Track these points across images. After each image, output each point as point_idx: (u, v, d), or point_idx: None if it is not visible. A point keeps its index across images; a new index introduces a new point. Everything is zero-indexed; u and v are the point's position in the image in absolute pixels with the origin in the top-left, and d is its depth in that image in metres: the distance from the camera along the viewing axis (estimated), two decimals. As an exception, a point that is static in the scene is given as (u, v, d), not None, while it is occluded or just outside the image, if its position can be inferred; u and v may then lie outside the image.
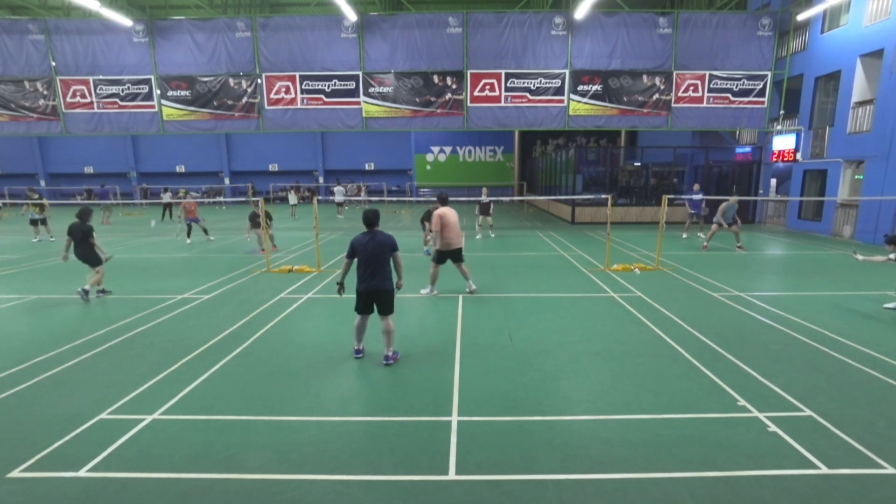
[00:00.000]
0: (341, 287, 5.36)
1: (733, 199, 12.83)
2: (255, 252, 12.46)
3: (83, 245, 8.00)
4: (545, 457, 3.54)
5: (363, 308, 5.23)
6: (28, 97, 17.87)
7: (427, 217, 11.39)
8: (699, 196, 15.29)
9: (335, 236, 16.26)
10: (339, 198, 23.17)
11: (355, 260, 5.17)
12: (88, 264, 8.14)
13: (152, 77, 17.58)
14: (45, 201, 15.01)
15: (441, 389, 4.63)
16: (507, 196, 34.66)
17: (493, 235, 15.80)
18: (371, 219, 5.19)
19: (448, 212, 7.87)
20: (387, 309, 5.19)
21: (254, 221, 12.00)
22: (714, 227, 12.96)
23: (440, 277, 8.30)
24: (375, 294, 5.12)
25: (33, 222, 14.96)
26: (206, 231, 15.16)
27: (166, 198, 23.05)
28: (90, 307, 7.64)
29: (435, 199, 8.42)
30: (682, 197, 17.05)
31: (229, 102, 17.74)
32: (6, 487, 3.25)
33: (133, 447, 3.69)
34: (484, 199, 15.34)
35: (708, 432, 3.85)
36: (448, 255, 7.95)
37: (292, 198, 24.39)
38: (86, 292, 7.97)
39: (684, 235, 15.49)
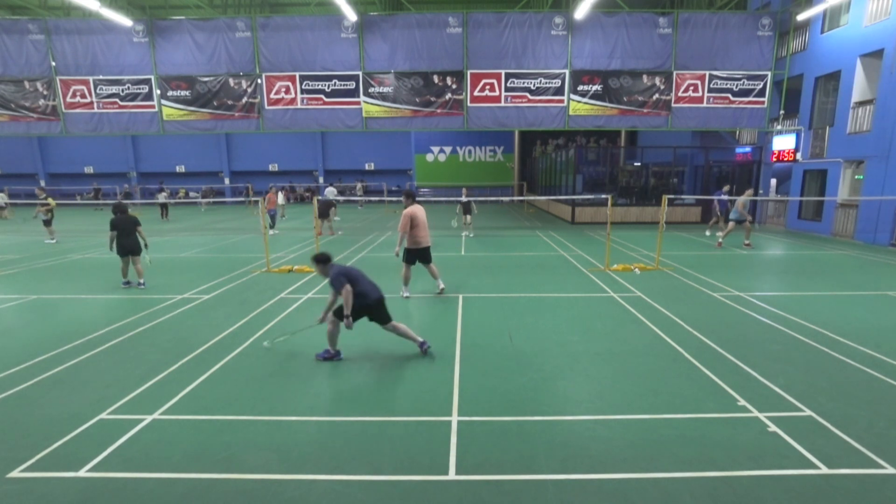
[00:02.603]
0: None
1: (749, 192, 13.44)
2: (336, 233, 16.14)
3: (132, 236, 8.59)
4: (545, 457, 3.54)
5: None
6: (28, 97, 17.86)
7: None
8: (727, 197, 14.52)
9: (335, 236, 16.25)
10: (329, 199, 22.57)
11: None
12: (132, 254, 8.68)
13: (152, 77, 17.57)
14: (51, 201, 14.86)
15: (441, 389, 4.63)
16: (507, 196, 34.66)
17: (471, 235, 15.95)
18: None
19: (417, 210, 7.81)
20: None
21: (326, 214, 15.90)
22: (731, 224, 13.21)
23: (417, 279, 8.40)
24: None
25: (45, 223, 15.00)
26: (273, 223, 16.81)
27: (162, 197, 23.05)
28: (89, 307, 7.64)
29: (404, 196, 8.23)
30: (712, 197, 16.46)
31: (229, 102, 17.73)
32: (6, 487, 3.25)
33: (133, 447, 3.70)
34: (463, 198, 15.95)
35: (708, 432, 3.85)
36: (417, 253, 7.91)
37: (280, 198, 24.14)
38: (140, 284, 8.83)
39: (708, 233, 15.88)
